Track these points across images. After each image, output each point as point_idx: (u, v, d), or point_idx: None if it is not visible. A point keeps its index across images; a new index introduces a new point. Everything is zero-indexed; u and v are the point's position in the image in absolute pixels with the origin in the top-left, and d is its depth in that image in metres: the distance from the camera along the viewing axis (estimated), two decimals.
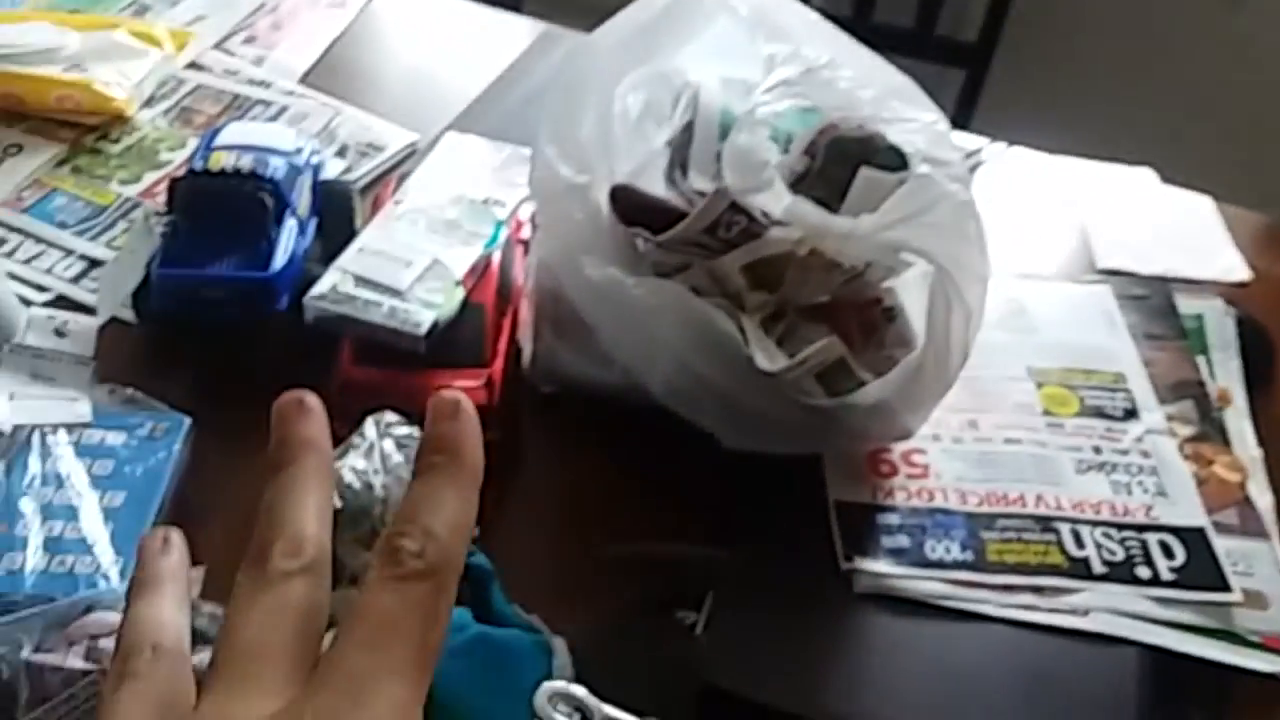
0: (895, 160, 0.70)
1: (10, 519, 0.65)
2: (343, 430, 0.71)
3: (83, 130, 0.98)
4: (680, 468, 0.73)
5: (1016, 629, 0.68)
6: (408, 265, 0.73)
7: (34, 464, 0.67)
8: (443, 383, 0.71)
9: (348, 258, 0.74)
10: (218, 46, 1.08)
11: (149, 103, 1.01)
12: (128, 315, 0.80)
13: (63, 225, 0.90)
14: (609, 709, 0.51)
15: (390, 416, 0.61)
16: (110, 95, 0.97)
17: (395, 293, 0.72)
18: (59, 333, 0.74)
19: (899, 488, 0.74)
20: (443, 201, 0.79)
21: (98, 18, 1.06)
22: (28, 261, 0.86)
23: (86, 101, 0.97)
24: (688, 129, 0.77)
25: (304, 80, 1.07)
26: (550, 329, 0.78)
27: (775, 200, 0.63)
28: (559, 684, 0.52)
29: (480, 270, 0.77)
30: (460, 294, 0.74)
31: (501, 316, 0.77)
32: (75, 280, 0.86)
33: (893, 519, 0.72)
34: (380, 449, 0.58)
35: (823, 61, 0.69)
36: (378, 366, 0.71)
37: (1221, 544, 0.73)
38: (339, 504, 0.56)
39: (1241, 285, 0.93)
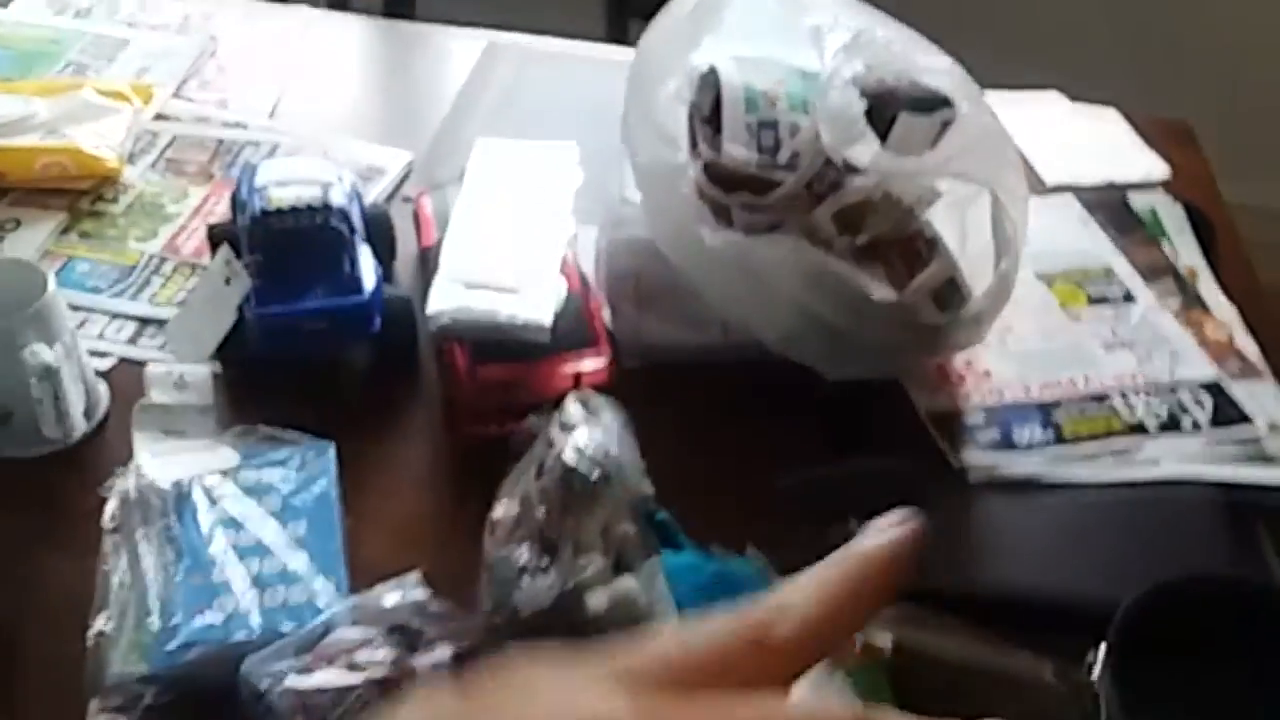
0: (931, 103, 0.79)
1: (203, 568, 0.65)
2: (478, 427, 0.75)
3: (74, 195, 0.95)
4: (781, 405, 0.80)
5: (1103, 489, 0.79)
6: (508, 264, 0.77)
7: (204, 513, 0.68)
8: (568, 367, 0.75)
9: (448, 266, 0.77)
10: (177, 95, 1.07)
11: (131, 159, 0.99)
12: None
13: (96, 290, 0.88)
14: None
15: (588, 394, 0.65)
16: (100, 156, 0.95)
17: (509, 291, 0.75)
18: (178, 386, 0.74)
19: (973, 391, 0.84)
20: (509, 202, 0.83)
21: (53, 81, 1.03)
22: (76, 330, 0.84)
23: (75, 166, 0.94)
24: (705, 103, 0.84)
25: (273, 117, 1.07)
26: (633, 306, 0.84)
27: (864, 151, 0.71)
28: None
29: (564, 262, 0.81)
30: (562, 284, 0.78)
31: (590, 303, 0.81)
32: (132, 340, 0.85)
33: (978, 418, 0.82)
34: (599, 417, 0.62)
35: (860, 26, 0.77)
36: (504, 361, 0.75)
37: (1234, 388, 0.86)
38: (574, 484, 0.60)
39: (1167, 181, 1.08)
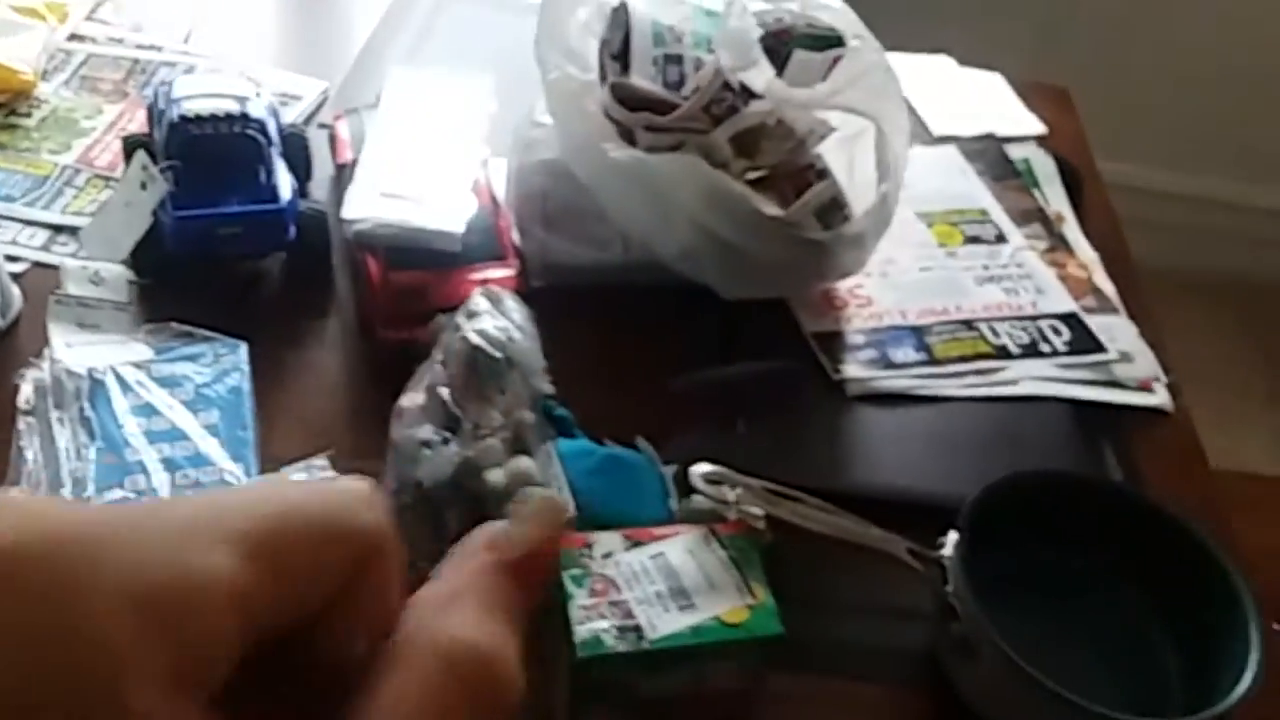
0: (823, 41, 0.85)
1: (116, 449, 0.68)
2: (390, 332, 0.79)
3: None
4: (678, 323, 0.86)
5: (969, 403, 0.86)
6: (421, 178, 0.81)
7: (118, 399, 0.70)
8: (478, 276, 0.80)
9: (364, 178, 0.80)
10: (90, 17, 1.08)
11: (45, 75, 1.00)
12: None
13: (9, 199, 0.89)
14: (740, 477, 0.64)
15: (493, 289, 0.69)
16: (15, 70, 0.96)
17: (419, 202, 0.79)
18: (94, 281, 0.76)
19: (854, 316, 0.90)
20: (424, 124, 0.86)
21: None
22: None
23: None
24: (615, 40, 0.89)
25: (187, 42, 1.08)
26: (540, 227, 0.88)
27: (760, 75, 0.76)
28: (705, 466, 0.64)
29: (477, 181, 0.85)
30: (474, 199, 0.82)
31: (500, 220, 0.85)
32: (45, 247, 0.86)
33: (858, 339, 0.88)
34: (504, 309, 0.66)
35: None
36: (415, 270, 0.79)
37: (1091, 321, 0.94)
38: (478, 363, 0.64)
39: (1042, 137, 1.16)
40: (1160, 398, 0.90)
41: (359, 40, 1.12)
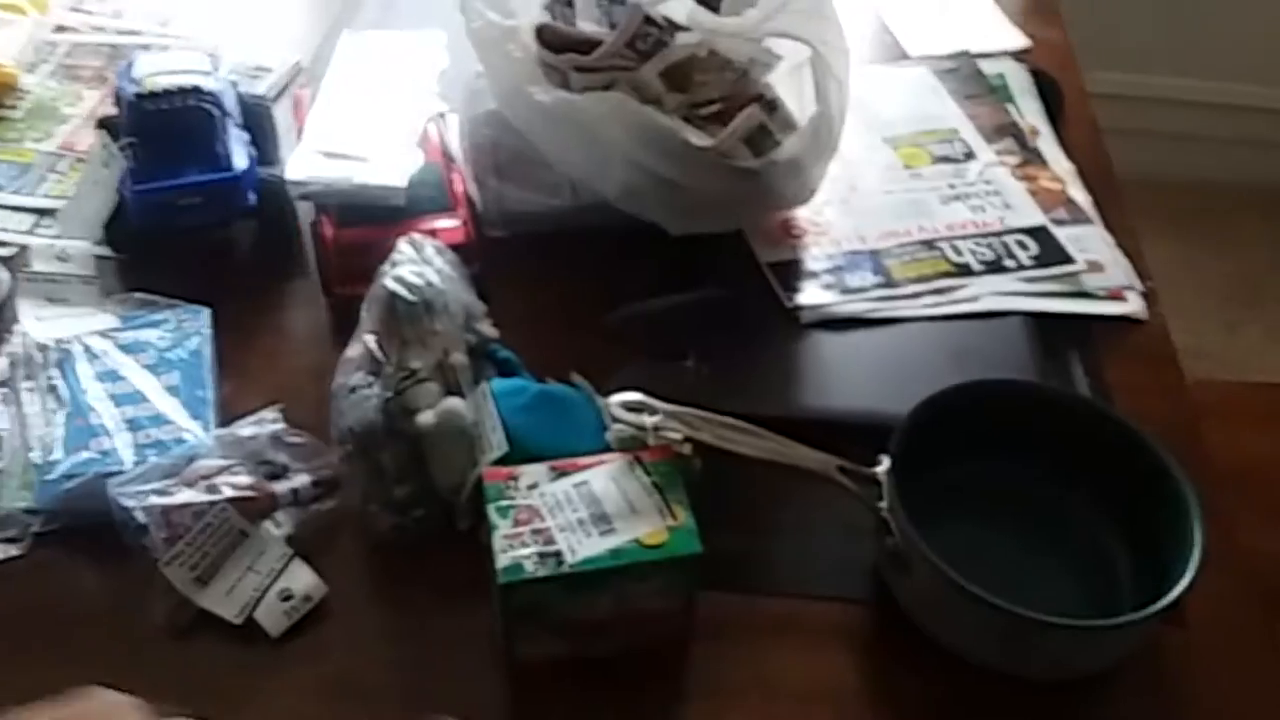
0: None
1: (83, 414, 0.72)
2: (347, 289, 0.82)
3: None
4: (635, 263, 0.87)
5: (928, 323, 0.86)
6: (364, 137, 0.83)
7: (84, 367, 0.74)
8: (424, 228, 0.81)
9: (308, 141, 0.83)
10: (74, 9, 1.12)
11: (31, 68, 1.04)
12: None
13: None
14: (658, 403, 0.65)
15: (416, 237, 0.71)
16: (1, 64, 1.00)
17: (363, 160, 0.81)
18: (60, 258, 0.80)
19: (812, 244, 0.90)
20: (371, 84, 0.88)
21: None
22: None
23: None
24: None
25: (166, 25, 1.12)
26: (494, 176, 0.90)
27: (679, 7, 0.77)
28: (625, 395, 0.66)
29: (425, 136, 0.87)
30: (419, 154, 0.84)
31: (451, 173, 0.87)
32: (30, 231, 0.90)
33: (814, 266, 0.88)
34: (425, 256, 0.68)
35: None
36: (364, 226, 0.81)
37: (1061, 232, 0.92)
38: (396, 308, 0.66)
39: (1025, 51, 1.14)
40: (1133, 305, 0.88)
41: (327, 13, 1.14)
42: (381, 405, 0.65)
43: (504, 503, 0.62)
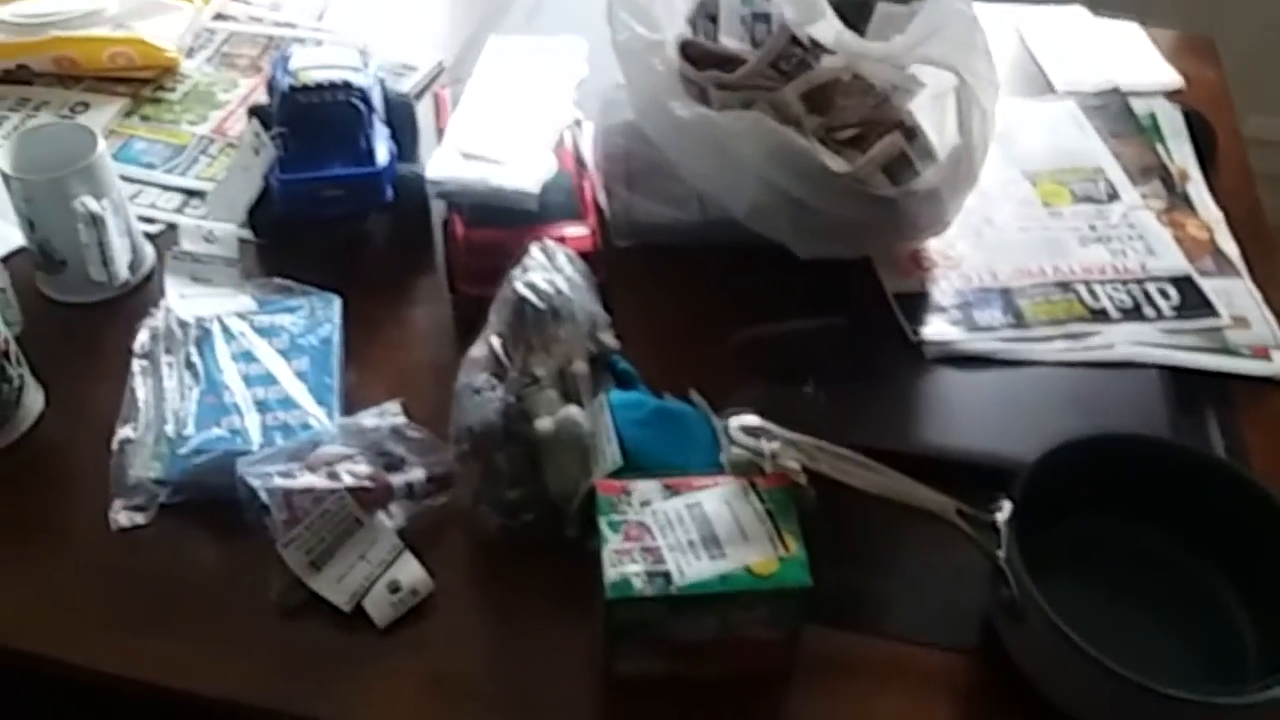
0: None
1: (216, 392, 0.74)
2: (473, 288, 0.83)
3: (138, 83, 1.05)
4: (759, 283, 0.86)
5: (1059, 368, 0.83)
6: (503, 140, 0.84)
7: (221, 347, 0.77)
8: (553, 234, 0.82)
9: (449, 141, 0.84)
10: None
11: (190, 53, 1.09)
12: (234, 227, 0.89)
13: (150, 166, 0.98)
14: (779, 430, 0.64)
15: (549, 244, 0.72)
16: (162, 48, 1.05)
17: (499, 163, 0.82)
18: (208, 239, 0.83)
19: (941, 277, 0.88)
20: (513, 88, 0.90)
21: None
22: (130, 199, 0.94)
23: (140, 56, 1.04)
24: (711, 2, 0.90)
25: (321, 19, 1.15)
26: (624, 187, 0.90)
27: (827, 29, 0.76)
28: (743, 417, 0.65)
29: (560, 143, 0.88)
30: (553, 161, 0.85)
31: (582, 181, 0.88)
32: (179, 210, 0.94)
33: (943, 300, 0.86)
34: (557, 264, 0.69)
35: None
36: (494, 227, 0.82)
37: (1206, 284, 0.88)
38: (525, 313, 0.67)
39: (1178, 90, 1.10)
40: (1277, 366, 0.84)
41: (473, 14, 1.16)
42: (503, 408, 0.65)
43: (616, 517, 0.62)
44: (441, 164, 0.82)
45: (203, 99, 1.04)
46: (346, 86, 0.87)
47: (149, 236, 0.91)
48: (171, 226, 0.93)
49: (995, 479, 0.69)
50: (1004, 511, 0.66)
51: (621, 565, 0.60)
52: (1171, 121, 1.03)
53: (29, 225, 0.83)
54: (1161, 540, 0.69)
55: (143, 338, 0.78)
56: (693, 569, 0.60)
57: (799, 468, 0.63)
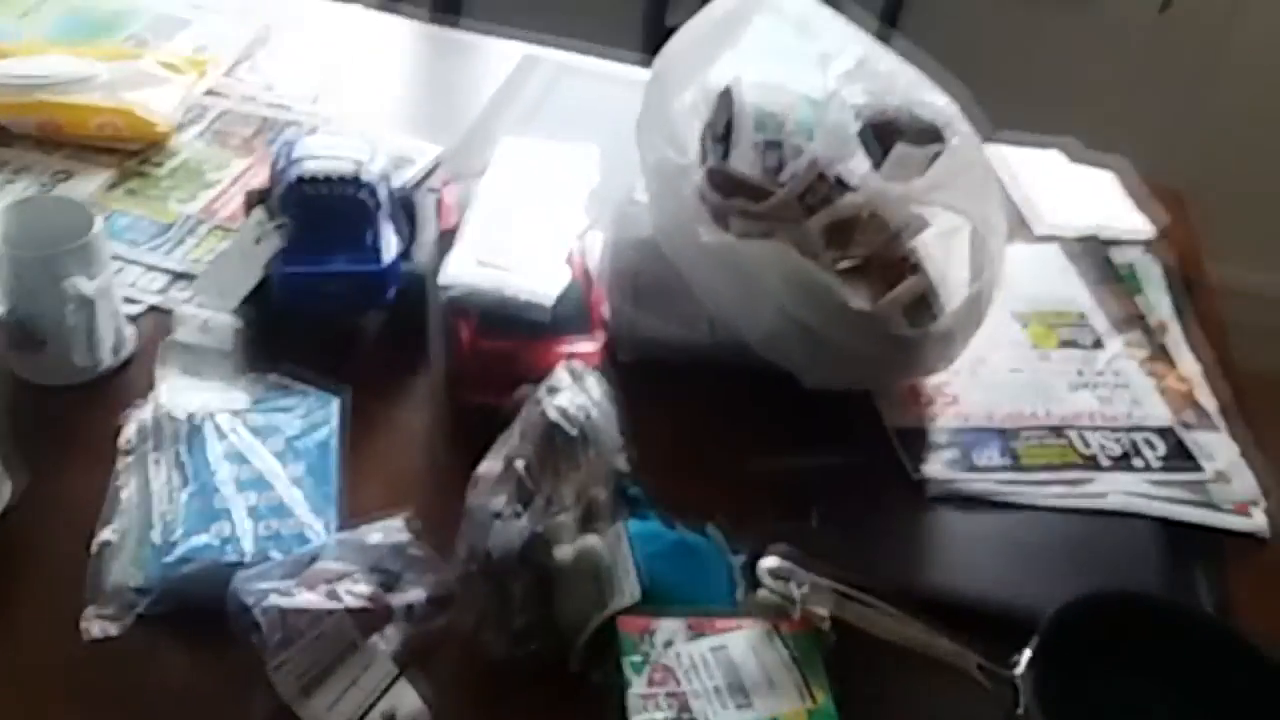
0: (926, 136, 0.85)
1: (207, 494, 0.71)
2: (477, 396, 0.81)
3: (124, 155, 1.02)
4: (759, 407, 0.86)
5: (1053, 514, 0.84)
6: (518, 248, 0.83)
7: (213, 445, 0.73)
8: (563, 348, 0.81)
9: (463, 246, 0.83)
10: (228, 74, 1.14)
11: (180, 127, 1.06)
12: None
13: (134, 243, 0.94)
14: (807, 574, 0.63)
15: (576, 365, 0.70)
16: (153, 120, 1.02)
17: (516, 271, 0.81)
18: (202, 330, 0.80)
19: (939, 413, 0.89)
20: (527, 194, 0.89)
21: (116, 49, 1.10)
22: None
23: (128, 127, 1.01)
24: (719, 123, 0.91)
25: (315, 103, 1.14)
26: (630, 303, 0.90)
27: (858, 169, 0.77)
28: (772, 560, 0.64)
29: (571, 253, 0.87)
30: (567, 272, 0.84)
31: (591, 293, 0.87)
32: (162, 291, 0.91)
33: (941, 437, 0.87)
34: (585, 386, 0.67)
35: (865, 56, 0.83)
36: (504, 337, 0.80)
37: (1188, 437, 0.91)
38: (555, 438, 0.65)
39: (1151, 241, 1.14)
40: (1257, 522, 0.86)
41: (475, 109, 1.16)
42: (529, 538, 0.63)
43: (638, 658, 0.60)
44: (456, 269, 0.81)
45: (192, 176, 1.01)
46: (356, 181, 0.86)
47: (130, 318, 0.87)
48: (154, 309, 0.89)
49: (996, 623, 0.69)
50: (1021, 666, 0.66)
51: (647, 712, 0.58)
52: (1149, 272, 1.07)
53: (11, 302, 0.78)
54: (1169, 701, 0.70)
55: (129, 431, 0.74)
56: (719, 718, 0.58)
57: (826, 614, 0.62)
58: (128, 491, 0.71)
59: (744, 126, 0.90)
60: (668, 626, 0.62)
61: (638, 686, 0.59)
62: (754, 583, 0.66)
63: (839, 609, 0.63)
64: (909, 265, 0.88)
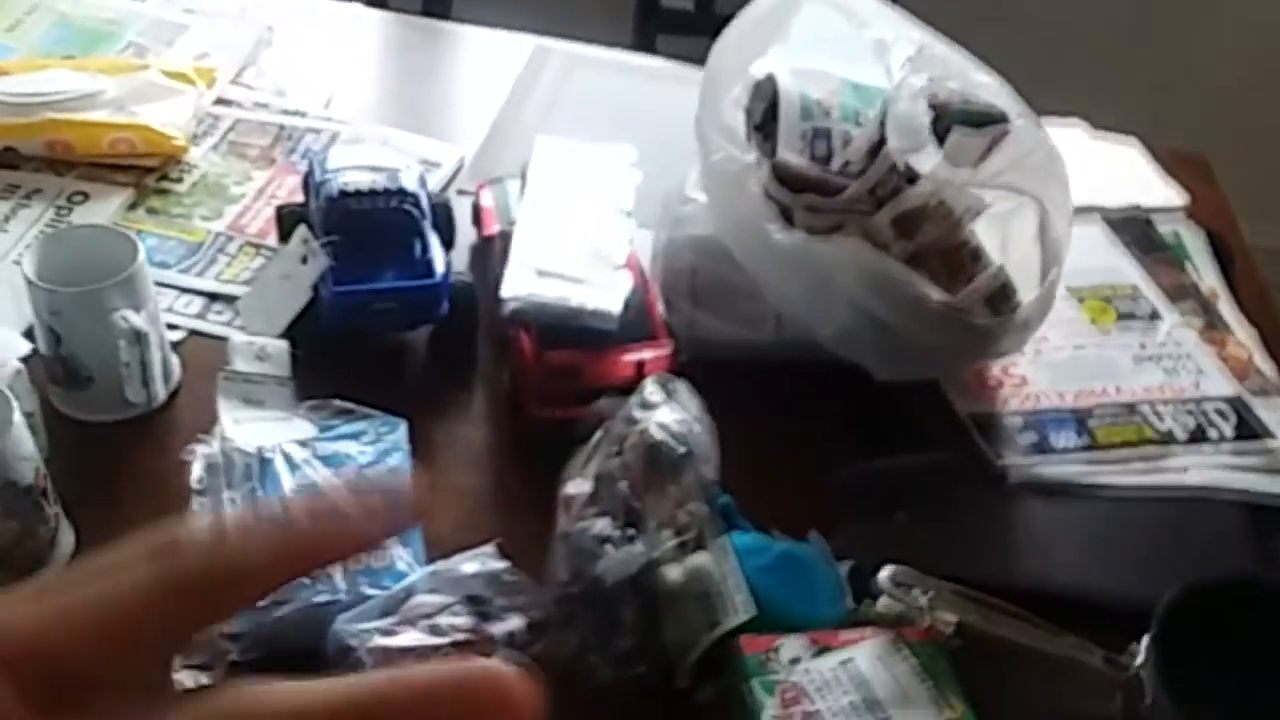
0: (980, 119, 0.83)
1: None
2: (546, 411, 0.78)
3: (141, 172, 0.97)
4: (828, 405, 0.84)
5: (1135, 496, 0.82)
6: (577, 255, 0.80)
7: (285, 478, 0.70)
8: (630, 357, 0.78)
9: (519, 256, 0.80)
10: (235, 81, 1.09)
11: (194, 140, 1.02)
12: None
13: (164, 265, 0.90)
14: (932, 580, 0.62)
15: (663, 376, 0.68)
16: (169, 135, 0.97)
17: (576, 280, 0.78)
18: (260, 357, 0.76)
19: (1010, 397, 0.87)
20: (573, 198, 0.86)
21: (118, 60, 1.06)
22: None
23: (144, 143, 0.97)
24: (757, 111, 0.88)
25: (328, 107, 1.10)
26: (688, 302, 0.87)
27: (928, 159, 0.75)
28: (894, 568, 0.62)
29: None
30: (628, 277, 0.81)
31: (650, 297, 0.84)
32: (200, 315, 0.87)
33: (1016, 421, 0.85)
34: (679, 399, 0.65)
35: (922, 42, 0.81)
36: (570, 349, 0.78)
37: (1257, 404, 0.90)
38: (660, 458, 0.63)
39: (1185, 208, 1.13)
40: None
41: (487, 105, 1.12)
42: (644, 563, 0.61)
43: (768, 677, 0.58)
44: (517, 281, 0.78)
45: (214, 191, 0.97)
46: (401, 193, 0.82)
47: (172, 345, 0.83)
48: (195, 333, 0.85)
49: (1104, 614, 0.68)
50: (1140, 658, 0.65)
51: None
52: (1194, 241, 1.06)
53: (53, 338, 0.75)
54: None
55: (197, 470, 0.70)
56: None
57: (953, 620, 0.60)
58: None
59: (789, 116, 0.88)
60: (790, 643, 0.60)
61: (771, 708, 0.57)
62: (864, 591, 0.65)
63: (963, 613, 0.61)
64: (969, 250, 0.87)
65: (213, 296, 0.88)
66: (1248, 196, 1.23)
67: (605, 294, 0.78)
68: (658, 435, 0.63)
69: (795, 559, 0.66)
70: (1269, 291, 1.06)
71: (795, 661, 0.59)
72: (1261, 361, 0.95)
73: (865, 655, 0.60)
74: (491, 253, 0.89)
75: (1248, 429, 0.88)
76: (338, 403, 0.76)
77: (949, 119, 0.84)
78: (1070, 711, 0.67)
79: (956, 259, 0.86)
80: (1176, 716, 0.61)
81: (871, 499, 0.76)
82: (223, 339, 0.82)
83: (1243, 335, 0.97)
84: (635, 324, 0.81)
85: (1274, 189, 1.75)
